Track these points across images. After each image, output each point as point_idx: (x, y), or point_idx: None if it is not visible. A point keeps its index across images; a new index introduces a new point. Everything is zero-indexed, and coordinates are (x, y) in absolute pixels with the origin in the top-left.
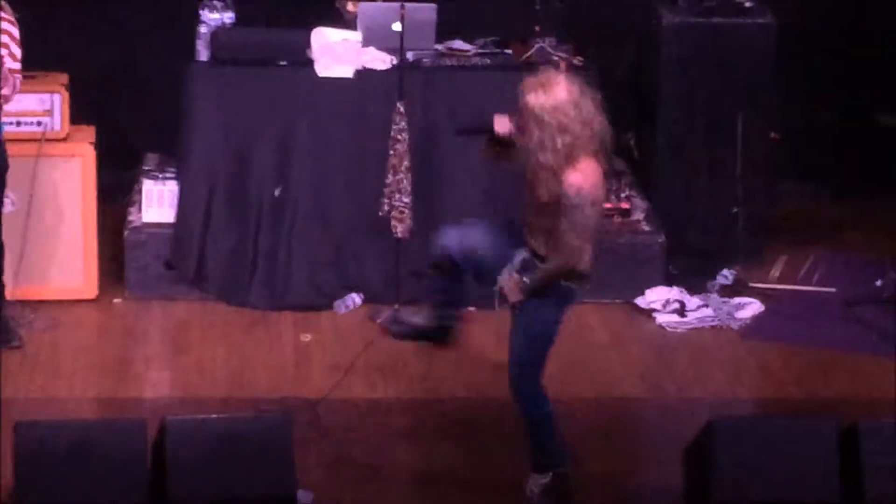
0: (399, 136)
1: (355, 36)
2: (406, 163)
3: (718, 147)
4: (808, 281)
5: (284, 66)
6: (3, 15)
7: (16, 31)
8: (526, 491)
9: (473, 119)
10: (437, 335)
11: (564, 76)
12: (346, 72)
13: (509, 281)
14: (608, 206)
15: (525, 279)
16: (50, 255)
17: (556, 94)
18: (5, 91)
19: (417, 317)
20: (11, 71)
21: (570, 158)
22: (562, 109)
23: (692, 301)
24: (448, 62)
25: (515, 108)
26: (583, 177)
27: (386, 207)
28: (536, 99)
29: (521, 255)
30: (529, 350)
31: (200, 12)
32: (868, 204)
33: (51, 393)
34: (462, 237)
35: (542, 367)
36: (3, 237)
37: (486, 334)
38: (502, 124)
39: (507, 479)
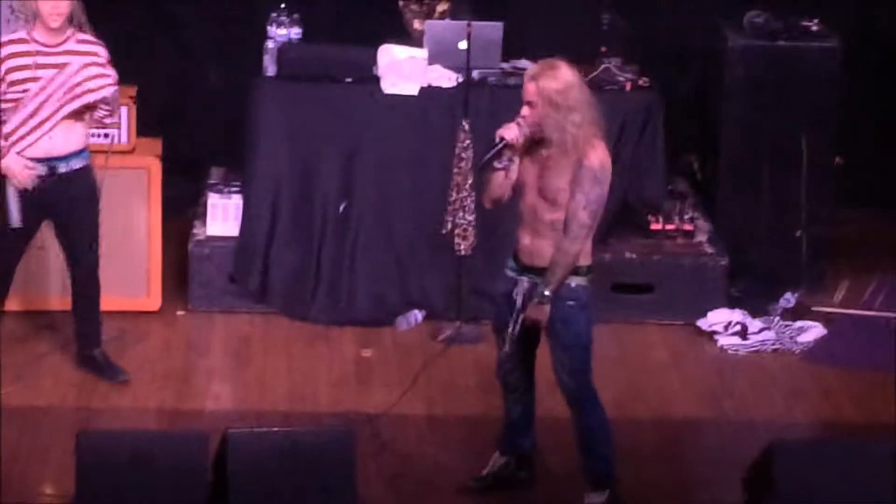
0: (463, 154)
1: (421, 53)
2: (470, 181)
3: (782, 170)
4: (871, 305)
5: (350, 82)
6: (86, 38)
7: (104, 53)
8: None
9: (485, 148)
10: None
11: (564, 61)
12: (412, 89)
13: (533, 310)
14: (671, 227)
15: (545, 293)
16: (115, 266)
17: (564, 76)
18: (114, 119)
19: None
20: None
21: (584, 138)
22: (571, 90)
23: (754, 324)
24: (513, 81)
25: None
26: (602, 155)
27: (449, 225)
28: (548, 83)
29: (521, 286)
30: (581, 359)
31: (268, 28)
32: None
33: (113, 403)
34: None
35: (591, 370)
36: None
37: (543, 354)
38: (510, 131)
39: (562, 495)
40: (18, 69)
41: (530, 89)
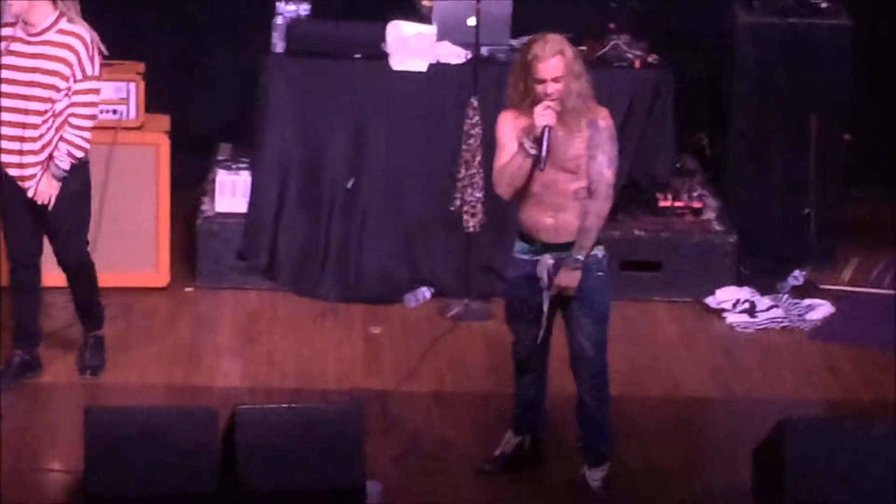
0: (472, 131)
1: (430, 30)
2: (479, 158)
3: (791, 148)
4: (880, 283)
5: (359, 58)
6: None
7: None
8: (592, 486)
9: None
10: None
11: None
12: (421, 66)
13: (564, 276)
14: (679, 204)
15: (577, 258)
16: (123, 243)
17: (568, 44)
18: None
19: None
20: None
21: (592, 100)
22: (578, 56)
23: (762, 301)
24: None
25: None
26: (606, 113)
27: (458, 202)
28: (569, 52)
29: (544, 265)
30: (605, 330)
31: (277, 4)
32: None
33: (121, 379)
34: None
35: None
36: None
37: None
38: (548, 117)
39: (571, 472)
40: None
41: (557, 65)
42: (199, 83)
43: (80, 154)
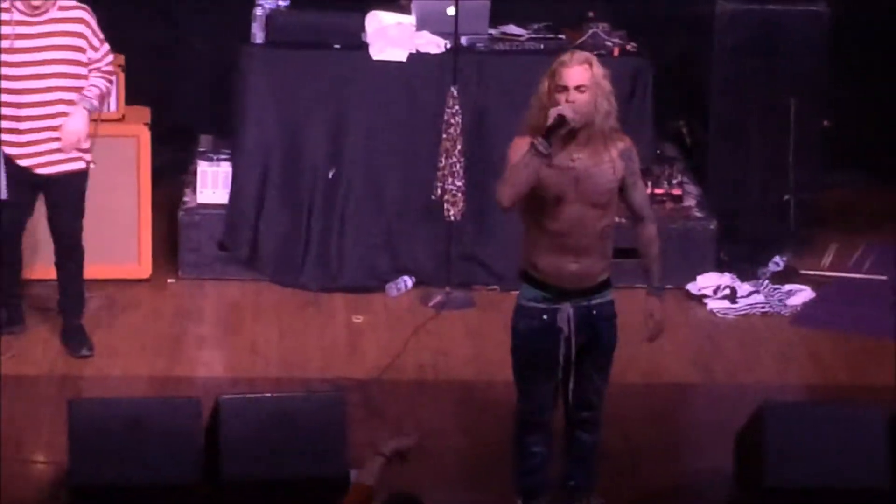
0: (452, 120)
1: (409, 20)
2: (459, 146)
3: (770, 134)
4: (860, 268)
5: (338, 48)
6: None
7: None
8: None
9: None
10: None
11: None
12: (400, 55)
13: (659, 311)
14: (660, 191)
15: (657, 285)
16: (105, 235)
17: (599, 63)
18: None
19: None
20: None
21: (618, 126)
22: (607, 75)
23: (743, 287)
24: (501, 47)
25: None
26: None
27: (438, 191)
28: (599, 68)
29: (565, 314)
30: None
31: None
32: None
33: (104, 371)
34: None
35: None
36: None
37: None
38: (566, 110)
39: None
40: None
41: (583, 74)
42: (179, 74)
43: (103, 99)
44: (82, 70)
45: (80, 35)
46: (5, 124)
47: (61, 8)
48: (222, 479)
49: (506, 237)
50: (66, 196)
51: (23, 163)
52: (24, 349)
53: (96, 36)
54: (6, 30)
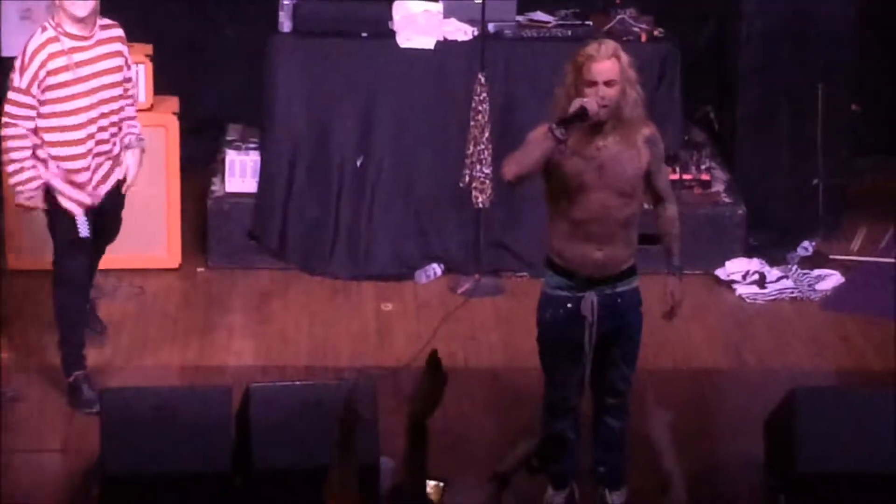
0: (480, 107)
1: (437, 7)
2: (487, 133)
3: (799, 119)
4: (888, 253)
5: (366, 37)
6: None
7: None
8: None
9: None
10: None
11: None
12: (428, 43)
13: (678, 289)
14: (688, 177)
15: (676, 264)
16: (134, 224)
17: (623, 51)
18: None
19: None
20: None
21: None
22: (632, 63)
23: (772, 273)
24: (529, 33)
25: (603, 80)
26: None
27: (467, 178)
28: (624, 57)
29: (589, 302)
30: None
31: None
32: None
33: (135, 361)
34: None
35: None
36: None
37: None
38: (590, 102)
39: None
40: (57, 71)
41: (612, 68)
42: (208, 64)
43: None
44: (122, 91)
45: (121, 54)
46: (70, 152)
47: (102, 27)
48: (253, 468)
49: (535, 224)
50: (116, 219)
51: (88, 191)
52: (53, 340)
53: (129, 56)
54: (60, 61)
